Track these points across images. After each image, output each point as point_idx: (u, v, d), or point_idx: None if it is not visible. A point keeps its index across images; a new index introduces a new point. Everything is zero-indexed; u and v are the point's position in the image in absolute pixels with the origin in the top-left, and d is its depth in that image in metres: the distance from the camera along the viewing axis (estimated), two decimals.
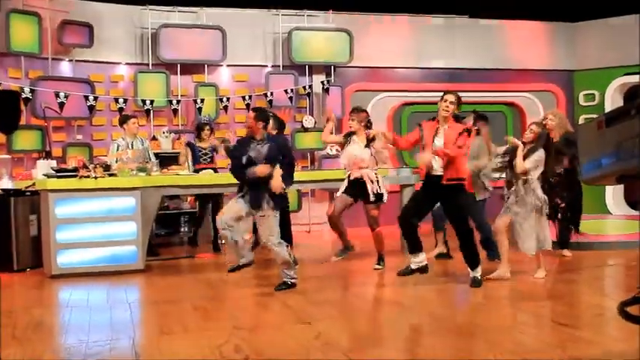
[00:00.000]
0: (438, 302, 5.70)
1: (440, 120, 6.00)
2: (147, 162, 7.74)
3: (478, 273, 6.06)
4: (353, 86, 11.24)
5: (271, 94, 10.48)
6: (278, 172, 5.90)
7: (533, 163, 6.19)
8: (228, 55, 10.55)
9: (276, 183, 5.87)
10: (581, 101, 12.33)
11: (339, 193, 7.09)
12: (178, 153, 9.04)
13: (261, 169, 5.86)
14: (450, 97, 5.97)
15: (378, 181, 6.95)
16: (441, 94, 6.08)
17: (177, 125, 10.19)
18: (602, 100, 12.04)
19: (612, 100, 11.82)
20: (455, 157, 5.85)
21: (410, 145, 6.25)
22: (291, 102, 10.65)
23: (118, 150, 8.06)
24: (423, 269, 6.11)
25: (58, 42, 9.60)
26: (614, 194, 11.82)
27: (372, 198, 6.90)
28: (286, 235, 8.88)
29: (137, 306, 5.84)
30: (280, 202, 5.98)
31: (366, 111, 7.18)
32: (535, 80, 12.22)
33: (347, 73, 11.29)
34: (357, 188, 6.97)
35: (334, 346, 4.33)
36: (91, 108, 9.68)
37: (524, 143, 6.28)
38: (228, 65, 10.75)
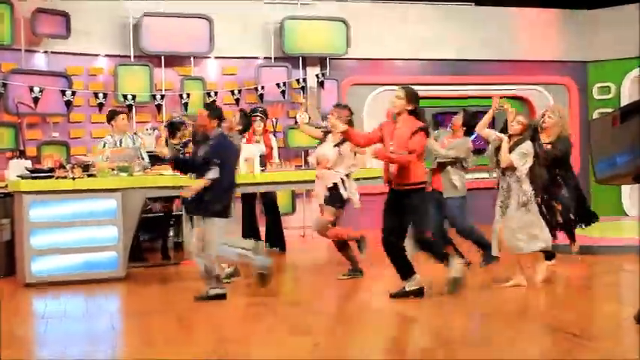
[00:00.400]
0: (441, 312, 5.68)
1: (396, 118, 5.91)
2: (136, 160, 7.67)
3: (454, 272, 5.93)
4: (350, 79, 11.23)
5: (262, 88, 10.47)
6: (201, 181, 5.87)
7: (519, 156, 6.17)
8: (216, 46, 10.52)
9: (188, 188, 5.96)
10: (596, 94, 12.35)
11: (320, 202, 6.99)
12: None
13: (185, 193, 5.99)
14: (398, 92, 5.83)
15: (344, 183, 6.81)
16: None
17: (162, 122, 10.17)
18: (617, 93, 12.07)
19: (629, 93, 11.84)
20: (401, 163, 5.67)
21: (366, 144, 6.11)
22: (284, 96, 10.63)
23: (104, 148, 8.03)
24: (418, 292, 5.92)
25: (31, 32, 9.56)
26: (631, 194, 11.84)
27: (321, 199, 6.85)
28: (279, 239, 8.90)
29: (117, 316, 5.84)
30: (208, 207, 5.88)
31: (348, 108, 6.98)
32: (546, 72, 12.22)
33: (343, 65, 11.26)
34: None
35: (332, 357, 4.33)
36: (68, 103, 9.63)
37: (510, 136, 6.28)
38: (216, 57, 10.73)
